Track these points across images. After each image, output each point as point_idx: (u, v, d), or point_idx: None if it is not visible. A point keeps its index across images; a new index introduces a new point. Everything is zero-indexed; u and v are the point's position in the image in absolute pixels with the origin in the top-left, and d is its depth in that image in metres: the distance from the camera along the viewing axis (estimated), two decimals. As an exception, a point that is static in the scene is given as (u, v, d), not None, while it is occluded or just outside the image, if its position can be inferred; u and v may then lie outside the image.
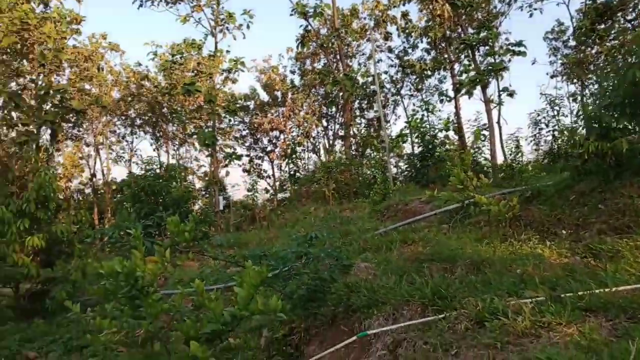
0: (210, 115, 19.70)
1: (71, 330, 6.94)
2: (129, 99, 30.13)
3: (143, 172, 14.36)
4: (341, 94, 22.58)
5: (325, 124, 34.70)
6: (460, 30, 21.63)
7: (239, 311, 2.99)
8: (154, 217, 11.87)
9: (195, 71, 19.97)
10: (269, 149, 34.25)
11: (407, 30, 27.83)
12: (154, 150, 35.35)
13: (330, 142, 35.53)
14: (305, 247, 5.68)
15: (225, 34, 20.45)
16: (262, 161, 34.64)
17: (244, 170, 34.29)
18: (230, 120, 30.17)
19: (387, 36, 28.97)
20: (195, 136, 33.41)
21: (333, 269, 5.42)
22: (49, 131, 21.27)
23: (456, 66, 25.33)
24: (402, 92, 32.13)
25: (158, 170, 14.10)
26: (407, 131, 19.33)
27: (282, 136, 34.54)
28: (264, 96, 33.17)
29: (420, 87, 31.26)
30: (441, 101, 21.60)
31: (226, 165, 25.46)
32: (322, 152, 34.82)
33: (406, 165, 15.98)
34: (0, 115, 21.23)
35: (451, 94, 24.00)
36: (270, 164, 35.03)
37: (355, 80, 19.24)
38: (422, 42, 28.10)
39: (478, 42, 17.65)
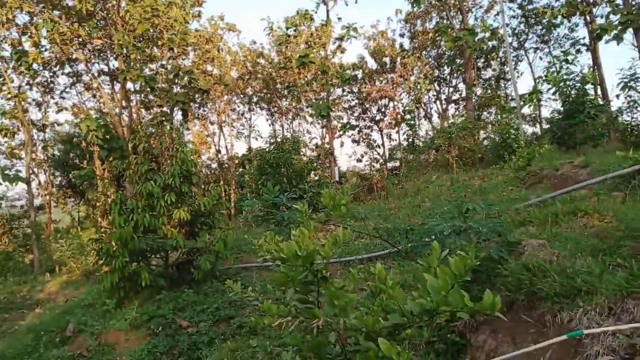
0: (324, 86, 19.34)
1: (217, 300, 7.06)
2: (246, 77, 31.09)
3: (267, 145, 14.42)
4: (459, 51, 20.69)
5: (437, 87, 32.77)
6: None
7: (436, 305, 2.35)
8: (297, 189, 11.87)
9: (308, 42, 19.63)
10: (377, 118, 33.42)
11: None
12: (269, 125, 36.53)
13: (444, 106, 33.58)
14: (462, 220, 4.91)
15: (336, 1, 19.73)
16: (372, 131, 33.98)
17: (353, 141, 33.96)
18: (342, 90, 29.77)
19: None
20: (309, 108, 33.86)
21: (499, 247, 4.60)
22: (180, 112, 22.71)
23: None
24: (526, 45, 29.03)
25: (280, 143, 13.99)
26: (542, 87, 17.03)
27: (391, 104, 33.46)
28: (372, 64, 32.14)
29: (546, 38, 27.83)
30: (577, 51, 18.73)
31: (340, 136, 25.11)
32: (435, 117, 33.10)
33: (548, 126, 14.02)
34: (139, 99, 23.20)
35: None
36: (379, 134, 34.29)
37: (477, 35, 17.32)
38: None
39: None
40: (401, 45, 31.45)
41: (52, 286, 13.47)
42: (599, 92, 19.52)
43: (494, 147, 15.14)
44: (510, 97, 19.62)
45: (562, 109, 12.50)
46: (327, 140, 21.02)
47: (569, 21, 23.86)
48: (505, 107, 18.13)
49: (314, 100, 21.90)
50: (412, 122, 19.77)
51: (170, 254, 8.38)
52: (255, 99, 35.32)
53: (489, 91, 31.76)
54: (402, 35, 32.80)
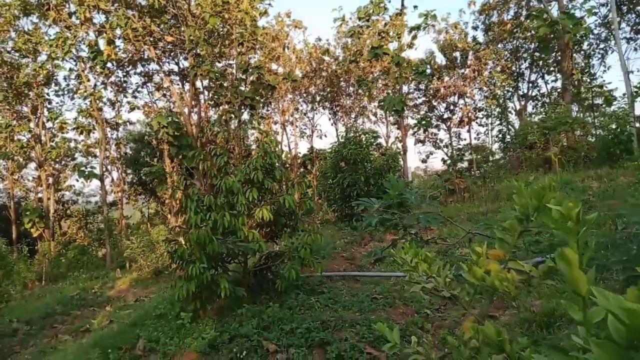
0: (397, 80, 17.82)
1: (307, 318, 5.83)
2: (311, 75, 30.14)
3: (339, 141, 13.09)
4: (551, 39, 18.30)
5: (513, 83, 30.12)
6: None
7: None
8: (374, 188, 10.50)
9: (381, 33, 18.17)
10: (445, 116, 31.38)
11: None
12: (332, 124, 35.46)
13: (522, 103, 30.85)
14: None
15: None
16: (439, 129, 31.96)
17: (418, 141, 32.03)
18: (408, 87, 28.08)
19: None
20: (373, 106, 32.33)
21: None
22: (246, 109, 22.09)
23: None
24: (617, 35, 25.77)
25: (358, 137, 12.61)
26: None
27: (461, 101, 31.27)
28: (440, 60, 30.11)
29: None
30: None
31: (414, 133, 23.39)
32: (513, 116, 30.42)
33: None
34: (207, 97, 22.81)
35: None
36: (447, 132, 32.22)
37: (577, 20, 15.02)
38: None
39: None
40: (474, 38, 29.17)
41: (122, 283, 12.95)
42: None
43: (603, 144, 12.94)
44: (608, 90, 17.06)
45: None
46: (399, 137, 19.33)
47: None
48: (609, 99, 15.72)
49: (386, 94, 20.34)
50: (505, 114, 17.66)
51: (250, 259, 7.26)
52: (318, 98, 34.44)
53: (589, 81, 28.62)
54: (475, 28, 30.50)
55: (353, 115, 33.97)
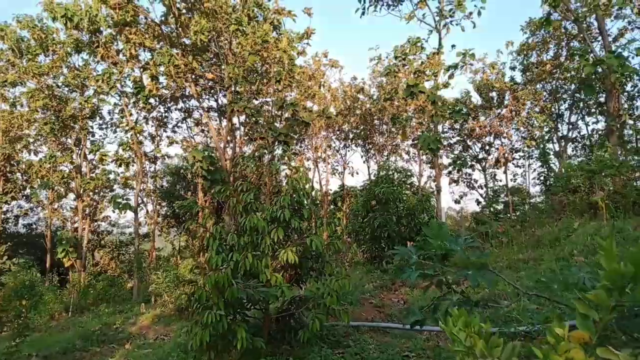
0: (433, 118, 17.33)
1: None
2: (345, 112, 30.15)
3: (374, 178, 12.60)
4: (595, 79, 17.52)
5: (553, 125, 29.07)
6: None
7: None
8: (408, 230, 9.89)
9: (417, 72, 17.90)
10: (480, 156, 30.55)
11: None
12: (363, 162, 35.17)
13: (562, 145, 29.64)
14: None
15: (449, 28, 17.89)
16: (473, 170, 31.08)
17: (452, 181, 31.13)
18: (442, 127, 27.58)
19: None
20: (406, 144, 31.86)
21: None
22: (280, 146, 22.10)
23: None
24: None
25: (391, 175, 12.10)
26: None
27: (496, 142, 30.43)
28: (476, 99, 29.60)
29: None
30: None
31: (449, 173, 22.65)
32: (552, 158, 29.19)
33: None
34: (242, 133, 23.02)
35: None
36: (482, 173, 31.30)
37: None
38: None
39: None
40: (512, 78, 28.59)
41: (145, 319, 12.59)
42: None
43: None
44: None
45: None
46: (432, 177, 18.63)
47: None
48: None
49: (420, 133, 19.85)
50: (548, 155, 16.74)
51: (272, 304, 6.76)
52: (351, 135, 34.35)
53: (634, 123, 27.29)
54: (512, 69, 29.98)
55: (385, 153, 33.62)
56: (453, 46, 18.37)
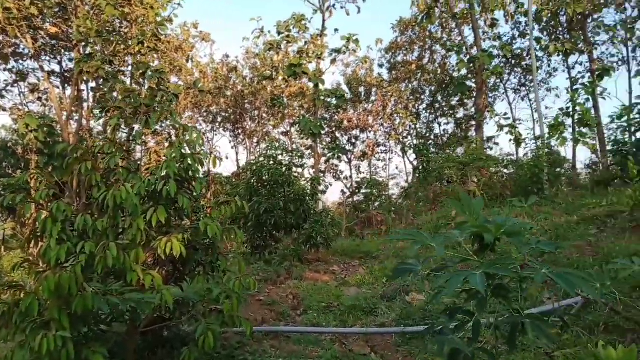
0: (317, 101, 16.49)
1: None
2: (215, 92, 27.81)
3: (261, 159, 11.10)
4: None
5: (414, 121, 30.88)
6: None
7: None
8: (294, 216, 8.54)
9: (300, 52, 16.80)
10: (347, 148, 31.19)
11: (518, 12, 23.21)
12: (232, 147, 33.27)
13: (420, 141, 31.64)
14: None
15: (332, 12, 17.17)
16: (340, 161, 31.60)
17: (320, 171, 31.26)
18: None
19: (494, 23, 24.43)
20: (276, 130, 30.80)
21: None
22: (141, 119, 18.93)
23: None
24: (507, 86, 27.66)
25: (280, 157, 10.74)
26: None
27: (362, 135, 31.39)
28: (346, 92, 30.02)
29: (525, 81, 26.59)
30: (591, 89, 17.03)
31: (327, 160, 22.17)
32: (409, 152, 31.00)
33: (614, 158, 11.81)
34: (91, 104, 19.21)
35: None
36: (348, 164, 32.04)
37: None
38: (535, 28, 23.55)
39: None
40: (380, 75, 29.62)
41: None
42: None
43: (521, 182, 12.77)
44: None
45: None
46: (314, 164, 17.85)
47: (565, 61, 22.64)
48: (519, 140, 16.10)
49: (300, 117, 18.86)
50: (425, 148, 17.04)
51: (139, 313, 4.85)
52: (219, 119, 32.13)
53: (458, 131, 30.24)
54: (381, 66, 31.03)
55: (255, 140, 32.19)
56: (336, 30, 17.66)
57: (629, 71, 19.00)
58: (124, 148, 5.94)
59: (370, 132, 31.19)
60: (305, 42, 16.89)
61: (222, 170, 30.22)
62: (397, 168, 33.22)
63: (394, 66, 30.22)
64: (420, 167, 17.29)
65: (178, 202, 4.35)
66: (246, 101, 29.93)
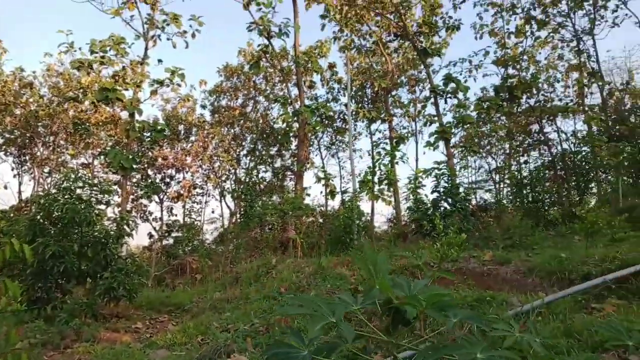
0: (131, 132, 14.58)
1: None
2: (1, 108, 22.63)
3: (54, 190, 8.94)
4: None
5: (235, 166, 30.51)
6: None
7: None
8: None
9: (117, 76, 14.85)
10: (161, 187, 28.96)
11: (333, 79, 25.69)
12: (14, 176, 27.37)
13: (237, 186, 31.27)
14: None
15: (156, 42, 15.87)
16: (150, 201, 29.04)
17: (126, 211, 28.13)
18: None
19: (312, 85, 26.38)
20: (75, 161, 26.56)
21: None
22: None
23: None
24: (321, 142, 29.80)
25: (80, 190, 8.87)
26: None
27: (178, 175, 29.69)
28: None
29: (335, 140, 29.14)
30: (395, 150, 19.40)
31: (139, 199, 19.66)
32: (227, 196, 30.30)
33: (414, 214, 12.90)
34: None
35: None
36: (159, 205, 29.70)
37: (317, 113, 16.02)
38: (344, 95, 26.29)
39: (446, 93, 16.13)
40: (202, 115, 28.80)
41: None
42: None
43: (336, 232, 13.28)
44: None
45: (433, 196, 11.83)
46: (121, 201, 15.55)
47: (367, 127, 25.55)
48: (333, 193, 17.00)
49: (112, 147, 16.39)
50: (249, 192, 16.32)
51: None
52: (1, 140, 26.25)
53: (275, 181, 31.21)
54: (203, 107, 30.22)
55: (47, 170, 27.14)
56: (160, 61, 16.33)
57: (416, 142, 22.54)
58: None
59: (187, 172, 29.75)
60: (123, 67, 15.05)
61: (-1, 202, 24.27)
62: (213, 212, 32.04)
63: (217, 109, 29.80)
64: (242, 212, 16.70)
65: None
66: (40, 124, 25.21)
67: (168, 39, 15.79)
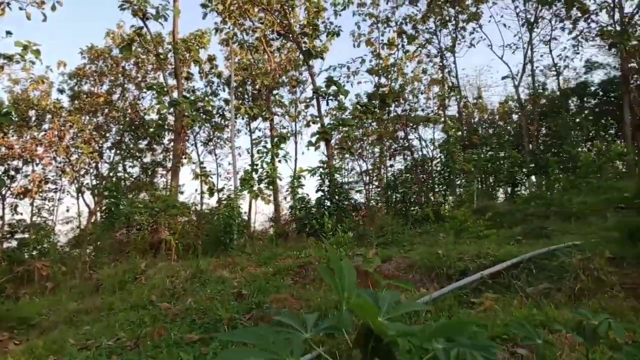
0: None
1: None
2: None
3: None
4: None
5: (97, 159, 27.12)
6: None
7: None
8: None
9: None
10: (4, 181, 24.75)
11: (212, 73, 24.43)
12: None
13: (99, 182, 27.87)
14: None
15: (4, 10, 13.11)
16: (-12, 199, 24.70)
17: (-46, 209, 23.51)
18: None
19: (189, 77, 24.70)
20: None
21: None
22: None
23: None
24: (197, 138, 28.12)
25: None
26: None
27: (26, 168, 25.69)
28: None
29: (213, 137, 27.83)
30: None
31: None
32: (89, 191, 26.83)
33: (299, 212, 12.46)
34: None
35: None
36: (0, 202, 25.46)
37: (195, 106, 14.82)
38: (225, 90, 25.26)
39: (328, 95, 16.37)
40: (58, 100, 25.08)
41: None
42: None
43: (214, 232, 12.41)
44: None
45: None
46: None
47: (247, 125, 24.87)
48: (212, 190, 15.85)
49: None
50: (115, 189, 14.15)
51: None
52: None
53: (144, 178, 28.63)
54: (61, 91, 26.34)
55: None
56: (9, 33, 13.36)
57: (296, 142, 22.63)
58: None
59: (37, 164, 25.87)
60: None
61: None
62: (68, 210, 28.08)
63: (78, 95, 26.27)
64: (104, 211, 14.74)
65: None
66: None
67: (21, 9, 13.09)
